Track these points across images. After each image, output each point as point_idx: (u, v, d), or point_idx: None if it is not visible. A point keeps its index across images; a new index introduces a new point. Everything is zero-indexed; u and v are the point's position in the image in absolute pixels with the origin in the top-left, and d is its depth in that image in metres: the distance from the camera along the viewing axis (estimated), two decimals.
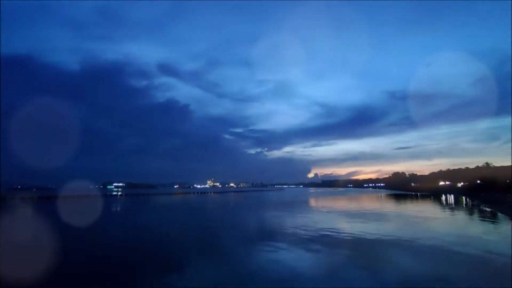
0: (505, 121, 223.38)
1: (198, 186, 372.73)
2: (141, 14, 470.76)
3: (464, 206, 38.32)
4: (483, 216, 26.20)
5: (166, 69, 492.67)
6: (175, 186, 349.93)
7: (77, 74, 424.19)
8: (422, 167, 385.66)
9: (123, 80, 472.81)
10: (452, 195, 67.95)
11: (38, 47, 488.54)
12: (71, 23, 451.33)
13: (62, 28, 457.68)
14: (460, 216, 26.91)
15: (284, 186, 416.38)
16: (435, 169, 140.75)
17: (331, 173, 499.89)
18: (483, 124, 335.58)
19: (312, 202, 50.82)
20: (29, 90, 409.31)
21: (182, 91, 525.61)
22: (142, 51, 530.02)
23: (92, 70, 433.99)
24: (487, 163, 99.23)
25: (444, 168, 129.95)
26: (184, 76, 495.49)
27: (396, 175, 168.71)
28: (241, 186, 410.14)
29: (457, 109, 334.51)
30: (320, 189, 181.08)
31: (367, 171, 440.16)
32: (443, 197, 60.71)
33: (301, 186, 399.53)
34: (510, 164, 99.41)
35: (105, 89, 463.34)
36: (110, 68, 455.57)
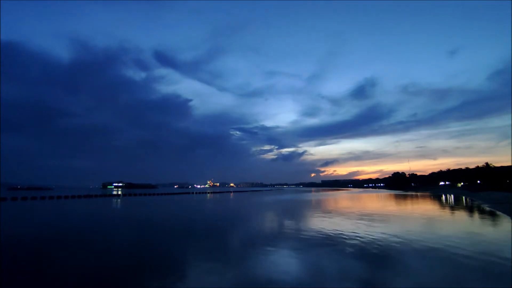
0: None
1: (198, 186, 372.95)
2: None
3: (465, 205, 38.35)
4: (484, 215, 26.28)
5: (164, 59, 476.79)
6: (175, 186, 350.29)
7: (69, 64, 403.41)
8: (426, 166, 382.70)
9: (121, 72, 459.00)
10: (452, 195, 67.93)
11: (23, 33, 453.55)
12: (60, 6, 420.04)
13: (49, 11, 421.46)
14: (461, 216, 26.91)
15: (284, 186, 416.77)
16: (439, 168, 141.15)
17: (332, 173, 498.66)
18: (496, 122, 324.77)
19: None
20: (22, 82, 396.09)
21: (183, 85, 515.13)
22: (138, 39, 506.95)
23: (85, 60, 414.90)
24: (487, 163, 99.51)
25: (448, 168, 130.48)
26: (184, 66, 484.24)
27: (396, 175, 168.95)
28: (241, 186, 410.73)
29: (470, 105, 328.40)
30: (322, 190, 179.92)
31: (369, 171, 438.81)
32: (444, 197, 60.65)
33: (301, 186, 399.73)
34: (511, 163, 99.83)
35: (100, 82, 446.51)
36: (104, 58, 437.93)
